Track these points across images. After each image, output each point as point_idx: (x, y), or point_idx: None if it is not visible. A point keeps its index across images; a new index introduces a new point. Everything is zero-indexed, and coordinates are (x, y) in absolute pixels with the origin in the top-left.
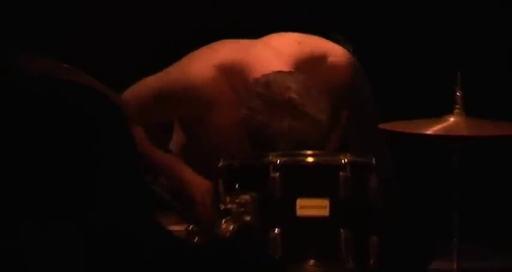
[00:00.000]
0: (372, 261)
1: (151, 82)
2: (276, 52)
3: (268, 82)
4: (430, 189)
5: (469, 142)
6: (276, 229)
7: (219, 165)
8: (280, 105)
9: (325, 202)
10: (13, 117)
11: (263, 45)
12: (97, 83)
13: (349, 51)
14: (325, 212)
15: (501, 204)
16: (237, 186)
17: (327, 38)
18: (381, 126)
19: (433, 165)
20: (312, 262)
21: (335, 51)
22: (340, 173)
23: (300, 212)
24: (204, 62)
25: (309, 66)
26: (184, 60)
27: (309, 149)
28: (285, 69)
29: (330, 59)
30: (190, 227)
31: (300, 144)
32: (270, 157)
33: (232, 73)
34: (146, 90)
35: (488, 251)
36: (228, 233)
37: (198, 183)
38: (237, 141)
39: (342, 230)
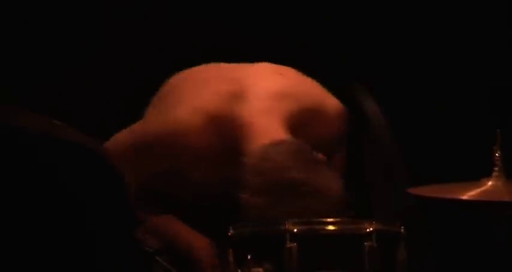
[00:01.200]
0: None
1: (128, 133)
2: (269, 109)
3: (260, 164)
4: (467, 263)
5: (511, 209)
6: None
7: (229, 233)
8: (281, 189)
9: None
10: (9, 178)
11: (254, 97)
12: (93, 143)
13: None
14: None
15: None
16: (249, 256)
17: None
18: (410, 190)
19: (471, 235)
20: None
21: (328, 101)
22: (365, 243)
23: None
24: (190, 107)
25: (303, 122)
26: (162, 104)
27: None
28: (279, 132)
29: (321, 113)
30: None
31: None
32: (286, 226)
33: (221, 124)
34: (125, 141)
35: None
36: None
37: (197, 242)
38: (217, 195)
39: None
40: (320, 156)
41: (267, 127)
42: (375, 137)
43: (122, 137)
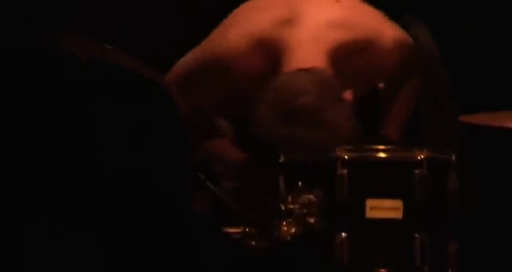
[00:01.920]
0: (450, 270)
1: (187, 57)
2: (317, 37)
3: (281, 85)
4: None
5: None
6: (343, 233)
7: (281, 160)
8: (291, 111)
9: (399, 204)
10: (59, 104)
11: (305, 24)
12: (142, 66)
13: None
14: (398, 214)
15: None
16: (300, 183)
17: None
18: (462, 118)
19: None
20: (382, 270)
21: (387, 32)
22: (416, 171)
23: (370, 214)
24: (241, 32)
25: (355, 52)
26: (221, 28)
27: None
28: (319, 60)
29: (377, 44)
30: (247, 230)
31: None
32: (338, 152)
33: (268, 48)
34: (183, 67)
35: None
36: (289, 237)
37: (231, 155)
38: None
39: (416, 235)
40: (346, 95)
41: (308, 54)
42: (426, 66)
43: (185, 61)
